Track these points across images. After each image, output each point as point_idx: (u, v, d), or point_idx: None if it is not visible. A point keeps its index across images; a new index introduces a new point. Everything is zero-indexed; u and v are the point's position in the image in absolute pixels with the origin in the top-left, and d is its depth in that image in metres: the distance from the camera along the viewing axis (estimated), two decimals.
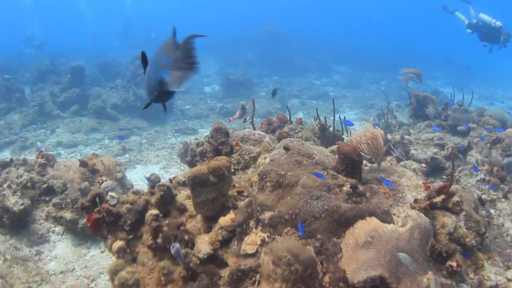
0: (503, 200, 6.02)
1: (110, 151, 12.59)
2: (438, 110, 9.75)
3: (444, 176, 6.98)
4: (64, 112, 15.99)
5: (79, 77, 17.51)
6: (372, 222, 3.69)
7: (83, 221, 6.23)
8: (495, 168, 6.45)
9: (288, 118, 8.12)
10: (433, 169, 7.79)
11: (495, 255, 4.76)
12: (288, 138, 5.52)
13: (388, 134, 10.02)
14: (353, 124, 4.42)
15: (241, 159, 4.91)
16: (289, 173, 3.96)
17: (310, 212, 3.69)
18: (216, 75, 26.70)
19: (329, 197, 3.78)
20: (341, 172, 4.17)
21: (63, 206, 6.38)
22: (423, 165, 5.74)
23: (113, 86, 18.15)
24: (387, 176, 4.44)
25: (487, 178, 6.43)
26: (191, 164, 6.28)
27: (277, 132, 7.88)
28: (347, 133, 7.31)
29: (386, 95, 12.77)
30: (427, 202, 4.16)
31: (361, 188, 4.03)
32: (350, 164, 4.14)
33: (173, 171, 10.83)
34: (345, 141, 7.60)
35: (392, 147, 7.51)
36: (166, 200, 4.31)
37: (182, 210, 4.38)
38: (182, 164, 10.18)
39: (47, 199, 6.64)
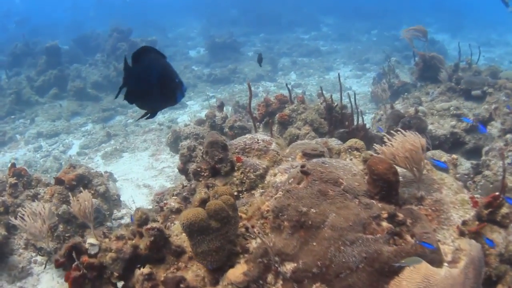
0: None
1: (94, 139, 11.66)
2: (448, 72, 8.85)
3: (474, 162, 6.12)
4: (42, 97, 14.88)
5: (55, 58, 16.30)
6: (422, 269, 2.90)
7: None
8: None
9: (289, 97, 7.24)
10: (453, 144, 7.02)
11: None
12: (299, 142, 4.63)
13: (397, 102, 9.17)
14: (446, 166, 3.55)
15: (245, 178, 4.02)
16: (312, 210, 3.10)
17: (345, 263, 2.88)
18: (200, 37, 25.49)
19: (366, 239, 2.95)
20: (375, 196, 3.33)
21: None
22: (454, 156, 4.92)
23: (92, 62, 17.12)
24: (427, 191, 3.61)
25: None
26: (183, 171, 5.42)
27: (277, 115, 7.03)
28: (357, 110, 6.41)
29: (388, 54, 11.81)
30: (478, 226, 3.37)
31: (400, 216, 3.21)
32: (386, 186, 3.29)
33: (163, 158, 9.97)
34: (354, 125, 6.78)
35: (408, 123, 6.67)
36: (159, 245, 3.48)
37: (179, 252, 3.55)
38: (171, 152, 9.30)
39: None
